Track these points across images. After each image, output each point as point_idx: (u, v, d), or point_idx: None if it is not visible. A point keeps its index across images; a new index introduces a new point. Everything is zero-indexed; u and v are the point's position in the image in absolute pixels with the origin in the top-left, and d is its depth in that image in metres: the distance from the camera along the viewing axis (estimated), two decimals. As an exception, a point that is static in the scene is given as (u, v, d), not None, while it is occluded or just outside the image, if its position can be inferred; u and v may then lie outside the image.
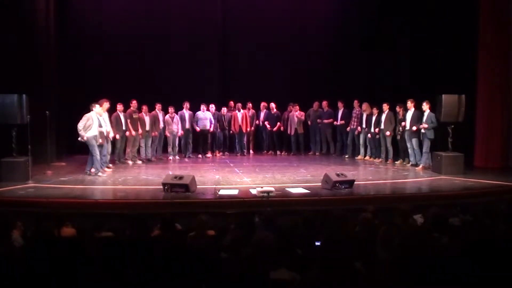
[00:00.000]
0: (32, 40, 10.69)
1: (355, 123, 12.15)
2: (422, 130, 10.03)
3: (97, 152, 9.29)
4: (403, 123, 10.73)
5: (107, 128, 9.88)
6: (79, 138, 9.29)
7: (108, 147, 10.30)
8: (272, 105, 13.15)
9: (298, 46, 14.03)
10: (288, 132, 13.02)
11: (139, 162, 11.41)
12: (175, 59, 13.40)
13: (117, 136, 10.74)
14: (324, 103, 12.99)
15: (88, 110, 9.46)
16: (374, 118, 11.47)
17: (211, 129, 12.56)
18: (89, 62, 13.08)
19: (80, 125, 9.17)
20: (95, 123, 9.33)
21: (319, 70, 13.94)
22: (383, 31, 12.94)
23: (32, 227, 4.95)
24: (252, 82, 13.64)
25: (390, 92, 12.06)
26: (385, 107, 11.21)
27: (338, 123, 12.66)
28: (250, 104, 13.09)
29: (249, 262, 3.18)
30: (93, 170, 9.40)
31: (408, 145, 10.65)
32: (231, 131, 12.92)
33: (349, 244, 2.98)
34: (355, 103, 12.27)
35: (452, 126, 9.52)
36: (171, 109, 12.08)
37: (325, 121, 12.84)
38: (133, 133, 11.17)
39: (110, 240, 4.27)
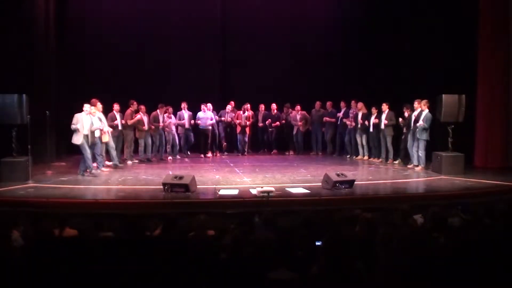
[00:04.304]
0: (32, 40, 10.68)
1: (352, 122, 12.14)
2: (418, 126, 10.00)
3: (88, 152, 9.17)
4: (400, 119, 10.74)
5: (103, 127, 9.83)
6: (73, 141, 9.18)
7: (103, 147, 10.20)
8: (274, 105, 13.26)
9: (298, 46, 14.02)
10: (294, 131, 13.13)
11: (136, 161, 11.40)
12: (175, 59, 13.40)
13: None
14: (328, 104, 13.02)
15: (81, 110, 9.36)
16: (373, 117, 11.46)
17: (211, 127, 12.55)
18: (88, 62, 13.06)
19: (73, 126, 9.07)
20: (87, 123, 9.21)
21: (319, 70, 13.92)
22: (382, 31, 12.93)
23: (32, 227, 4.94)
24: (252, 82, 13.63)
25: (390, 92, 12.03)
26: (385, 107, 11.20)
27: (339, 122, 12.66)
28: (249, 105, 13.10)
29: (248, 262, 3.18)
30: (88, 170, 9.33)
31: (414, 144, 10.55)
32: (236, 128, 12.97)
33: (349, 244, 2.97)
34: (353, 103, 12.27)
35: (452, 126, 9.52)
36: (169, 109, 12.06)
37: (333, 119, 12.81)
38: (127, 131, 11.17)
39: (110, 240, 4.27)
